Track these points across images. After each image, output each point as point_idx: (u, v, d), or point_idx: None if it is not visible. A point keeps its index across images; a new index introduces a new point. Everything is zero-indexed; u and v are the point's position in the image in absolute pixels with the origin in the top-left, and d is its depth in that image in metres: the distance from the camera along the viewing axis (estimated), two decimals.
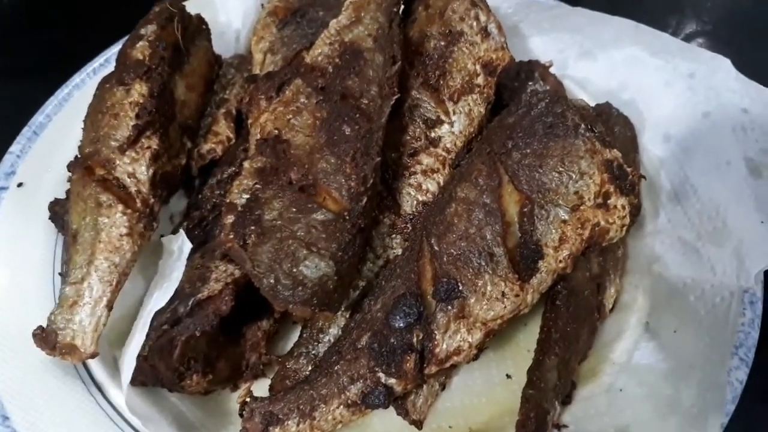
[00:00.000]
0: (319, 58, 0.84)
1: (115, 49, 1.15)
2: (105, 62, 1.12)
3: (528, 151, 0.76)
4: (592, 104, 1.05)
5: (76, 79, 1.10)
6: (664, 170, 0.94)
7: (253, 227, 0.71)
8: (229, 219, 0.73)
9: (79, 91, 1.09)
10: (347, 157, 0.74)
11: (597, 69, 1.06)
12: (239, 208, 0.74)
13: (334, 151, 0.75)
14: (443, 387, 0.80)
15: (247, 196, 0.75)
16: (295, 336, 0.84)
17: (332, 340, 0.79)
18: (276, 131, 0.79)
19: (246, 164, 0.78)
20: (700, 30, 1.43)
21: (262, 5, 1.07)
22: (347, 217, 0.72)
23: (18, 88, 1.32)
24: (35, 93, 1.21)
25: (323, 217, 0.71)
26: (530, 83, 0.95)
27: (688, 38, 1.39)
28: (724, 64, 0.98)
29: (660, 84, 1.01)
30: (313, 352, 0.79)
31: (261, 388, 0.81)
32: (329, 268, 0.69)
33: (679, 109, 0.98)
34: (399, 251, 0.81)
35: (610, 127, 0.92)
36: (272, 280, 0.68)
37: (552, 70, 1.04)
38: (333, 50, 0.85)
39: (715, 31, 1.42)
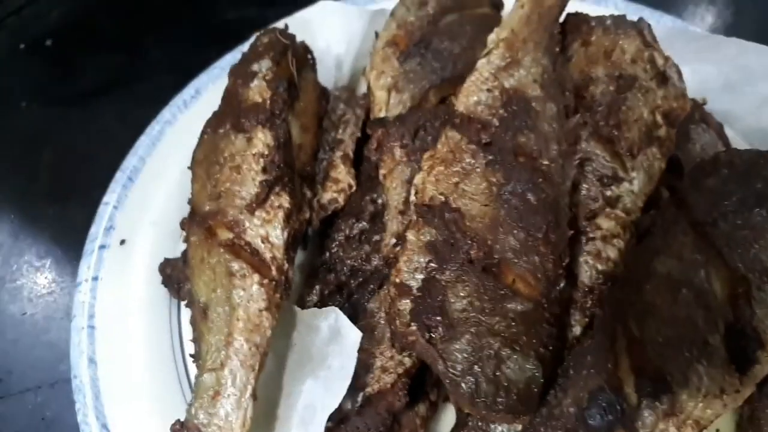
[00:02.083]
0: (479, 108, 0.75)
1: (204, 78, 1.04)
2: (196, 93, 1.02)
3: (738, 222, 0.66)
4: (743, 144, 0.97)
5: (167, 114, 0.99)
6: None
7: (438, 318, 0.62)
8: (405, 305, 0.64)
9: (171, 128, 0.99)
10: (539, 233, 0.65)
11: (742, 103, 0.97)
12: (414, 292, 0.65)
13: (521, 225, 0.66)
14: None
15: (422, 276, 0.66)
16: (449, 418, 0.76)
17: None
18: (442, 197, 0.69)
19: (411, 236, 0.68)
20: None
21: (376, 33, 0.96)
22: (545, 305, 0.63)
23: (84, 114, 1.21)
24: (104, 119, 1.11)
25: (521, 307, 0.62)
26: (692, 126, 0.86)
27: None
28: None
29: None
30: None
31: None
32: (536, 369, 0.60)
33: None
34: (578, 330, 0.72)
35: None
36: (473, 386, 0.59)
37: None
38: (494, 98, 0.75)
39: None
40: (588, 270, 0.73)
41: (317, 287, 0.81)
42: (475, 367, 0.59)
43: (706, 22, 1.35)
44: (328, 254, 0.84)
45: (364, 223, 0.85)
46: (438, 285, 0.65)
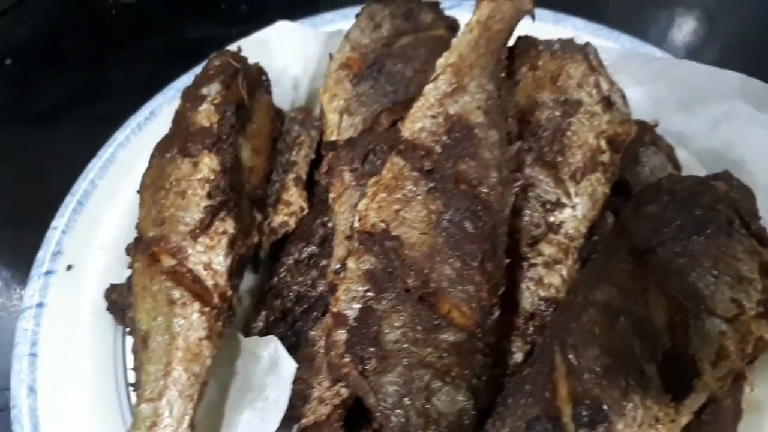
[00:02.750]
0: (422, 135, 0.74)
1: (160, 100, 1.04)
2: (150, 115, 1.01)
3: (677, 249, 0.66)
4: (695, 165, 0.97)
5: (120, 136, 0.99)
6: None
7: (372, 349, 0.62)
8: (341, 335, 0.64)
9: (123, 150, 0.98)
10: (474, 261, 0.65)
11: (695, 124, 0.97)
12: (351, 322, 0.64)
13: (458, 253, 0.66)
14: None
15: (359, 306, 0.65)
16: None
17: None
18: (383, 224, 0.69)
19: (351, 264, 0.68)
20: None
21: (330, 55, 0.96)
22: (479, 335, 0.63)
23: (41, 134, 1.19)
24: (61, 140, 1.10)
25: (454, 337, 0.62)
26: (642, 149, 0.86)
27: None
28: None
29: None
30: None
31: None
32: (467, 400, 0.60)
33: None
34: (519, 357, 0.71)
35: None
36: (403, 419, 0.58)
37: None
38: (437, 125, 0.75)
39: None
40: (530, 296, 0.73)
41: (263, 313, 0.80)
42: (405, 399, 0.59)
43: (671, 44, 1.36)
44: (276, 279, 0.83)
45: (314, 247, 0.84)
46: (374, 315, 0.64)
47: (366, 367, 0.61)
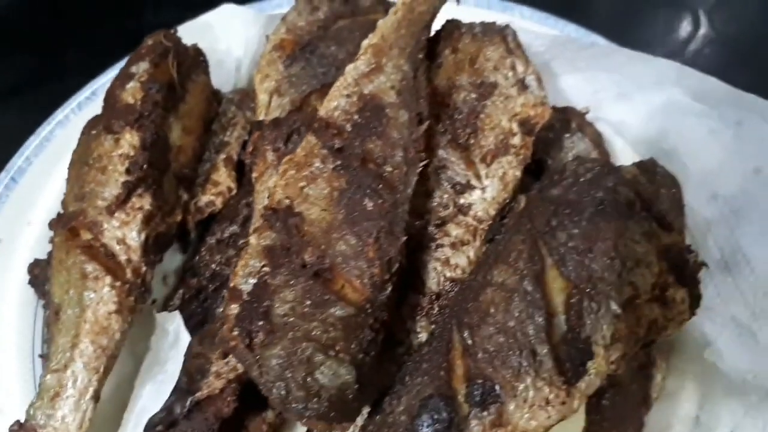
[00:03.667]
0: (336, 113, 0.74)
1: (103, 80, 1.04)
2: (92, 95, 1.02)
3: (576, 231, 0.66)
4: (631, 154, 0.97)
5: (59, 115, 0.99)
6: (711, 235, 0.85)
7: (261, 322, 0.62)
8: (233, 309, 0.64)
9: (62, 130, 0.98)
10: (369, 238, 0.65)
11: (635, 113, 0.97)
12: (245, 297, 0.64)
13: (354, 230, 0.66)
14: None
15: (254, 281, 0.65)
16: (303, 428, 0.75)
17: None
18: (288, 201, 0.69)
19: (252, 239, 0.68)
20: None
21: (267, 36, 0.96)
22: (369, 310, 0.63)
23: None
24: (7, 122, 1.10)
25: (342, 312, 0.62)
26: (567, 135, 0.86)
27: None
28: None
29: (704, 132, 0.91)
30: None
31: None
32: (349, 374, 0.60)
33: (726, 162, 0.89)
34: (424, 336, 0.72)
35: (656, 189, 0.83)
36: (283, 391, 0.59)
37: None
38: (351, 104, 0.75)
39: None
40: (436, 276, 0.73)
41: (180, 291, 0.81)
42: (287, 372, 0.59)
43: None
44: (197, 258, 0.84)
45: (236, 227, 0.85)
46: (268, 290, 0.64)
47: (254, 340, 0.61)
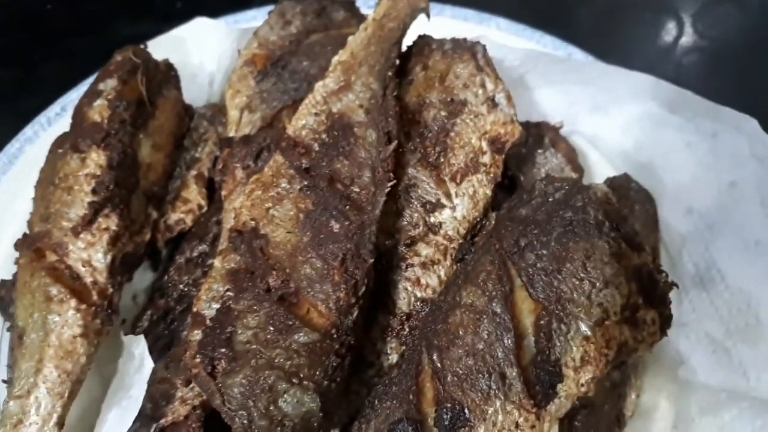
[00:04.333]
0: (303, 132, 0.74)
1: (74, 95, 1.03)
2: (61, 111, 1.00)
3: (544, 252, 0.65)
4: (607, 167, 0.96)
5: (28, 131, 0.98)
6: (686, 250, 0.84)
7: (223, 350, 0.61)
8: (196, 335, 0.63)
9: (31, 146, 0.97)
10: (335, 261, 0.64)
11: (610, 126, 0.96)
12: (207, 323, 0.63)
13: (320, 252, 0.65)
14: None
15: (217, 306, 0.64)
16: None
17: None
18: (253, 222, 0.68)
19: (216, 263, 0.67)
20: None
21: (239, 51, 0.95)
22: (335, 336, 0.62)
23: None
24: None
25: (306, 338, 0.60)
26: (539, 150, 0.85)
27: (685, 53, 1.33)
28: (750, 124, 0.88)
29: (681, 145, 0.91)
30: None
31: None
32: (313, 402, 0.58)
33: (701, 176, 0.88)
34: (395, 358, 0.70)
35: (630, 205, 0.82)
36: (246, 420, 0.57)
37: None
38: (319, 123, 0.74)
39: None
40: (406, 297, 0.72)
41: (148, 312, 0.79)
42: (249, 401, 0.58)
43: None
44: (166, 277, 0.82)
45: (205, 246, 0.83)
46: (231, 315, 0.63)
47: (216, 368, 0.60)
